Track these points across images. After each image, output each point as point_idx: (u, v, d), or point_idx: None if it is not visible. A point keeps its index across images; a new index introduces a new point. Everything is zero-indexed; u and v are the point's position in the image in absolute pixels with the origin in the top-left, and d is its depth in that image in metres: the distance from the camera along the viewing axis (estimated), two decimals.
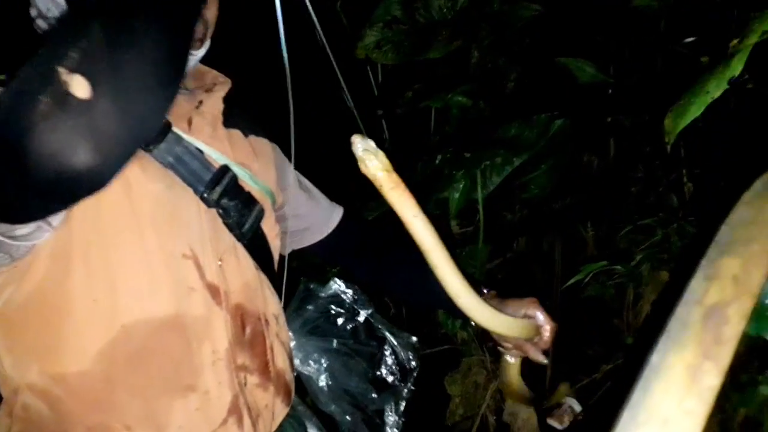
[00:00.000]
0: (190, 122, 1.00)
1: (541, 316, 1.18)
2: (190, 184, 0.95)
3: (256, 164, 1.09)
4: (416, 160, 2.15)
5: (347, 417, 1.35)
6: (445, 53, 2.32)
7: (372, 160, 0.94)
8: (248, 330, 1.03)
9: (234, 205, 1.00)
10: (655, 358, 0.32)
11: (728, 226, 0.39)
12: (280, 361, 1.11)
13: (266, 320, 1.08)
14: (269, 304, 1.10)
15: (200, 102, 1.03)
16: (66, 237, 0.86)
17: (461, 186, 2.04)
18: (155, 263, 0.92)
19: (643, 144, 2.37)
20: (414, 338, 1.47)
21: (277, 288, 1.18)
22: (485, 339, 1.30)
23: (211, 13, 0.98)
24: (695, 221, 1.79)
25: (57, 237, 0.86)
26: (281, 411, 1.12)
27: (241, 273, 1.03)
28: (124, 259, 0.90)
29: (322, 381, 1.34)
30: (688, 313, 0.34)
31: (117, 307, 0.90)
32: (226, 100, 1.09)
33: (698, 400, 0.30)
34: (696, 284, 0.35)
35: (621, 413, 0.31)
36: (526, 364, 2.57)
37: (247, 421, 1.01)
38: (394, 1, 2.36)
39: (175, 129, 0.95)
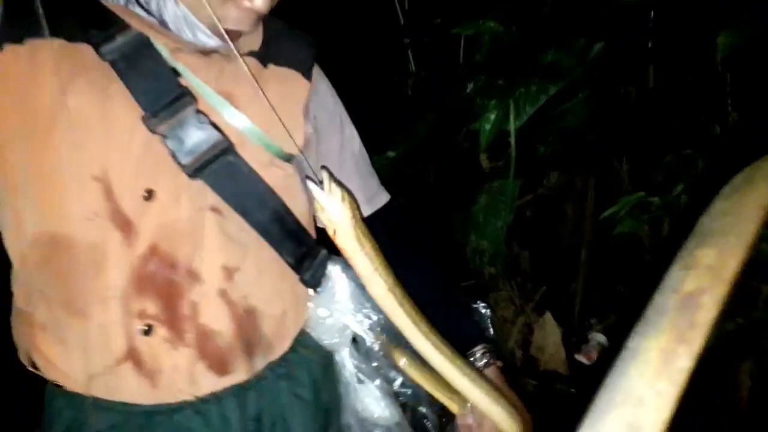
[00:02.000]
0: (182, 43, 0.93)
1: None
2: (137, 101, 0.88)
3: (254, 96, 0.94)
4: (444, 91, 2.10)
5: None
6: None
7: (335, 205, 0.88)
8: (158, 276, 0.93)
9: (185, 135, 0.90)
10: (632, 342, 0.35)
11: (707, 218, 0.41)
12: (214, 324, 0.98)
13: (192, 271, 0.95)
14: (220, 253, 0.96)
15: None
16: None
17: (493, 117, 2.00)
18: (64, 177, 0.88)
19: (686, 72, 2.29)
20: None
21: (298, 246, 1.05)
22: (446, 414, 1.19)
23: None
24: (740, 151, 1.73)
25: None
26: (211, 379, 0.99)
27: (176, 211, 0.92)
28: (35, 162, 0.88)
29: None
30: (664, 300, 0.36)
31: (31, 212, 0.90)
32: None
33: (670, 382, 0.32)
34: (674, 273, 0.38)
35: (598, 394, 0.33)
36: (556, 299, 2.59)
37: (144, 372, 0.95)
38: None
39: (140, 33, 0.88)
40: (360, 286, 1.16)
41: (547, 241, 2.83)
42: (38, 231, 0.90)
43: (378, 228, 1.05)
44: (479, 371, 1.08)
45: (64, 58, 0.86)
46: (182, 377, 0.97)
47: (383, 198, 1.19)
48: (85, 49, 0.87)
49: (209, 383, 0.99)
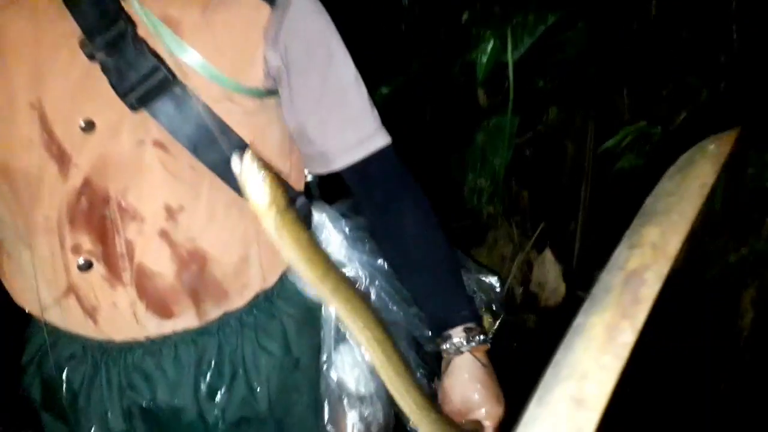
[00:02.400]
0: None
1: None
2: (77, 24, 0.82)
3: (202, 22, 0.87)
4: (439, 21, 2.03)
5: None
6: None
7: (254, 186, 0.80)
8: (93, 211, 0.90)
9: (124, 62, 0.84)
10: (578, 319, 0.36)
11: (652, 198, 0.44)
12: (153, 264, 0.93)
13: (127, 208, 0.90)
14: (163, 191, 0.91)
15: None
16: None
17: (489, 47, 1.94)
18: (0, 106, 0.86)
19: None
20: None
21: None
22: None
23: None
24: (745, 78, 1.69)
25: None
26: (155, 321, 0.95)
27: (116, 143, 0.88)
28: None
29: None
30: (610, 278, 0.38)
31: None
32: None
33: (614, 356, 0.34)
34: (619, 252, 0.40)
35: (545, 370, 0.35)
36: (556, 236, 2.59)
37: (83, 308, 0.94)
38: None
39: None
40: (351, 238, 1.10)
41: (547, 179, 2.81)
42: None
43: (372, 172, 0.98)
44: (425, 397, 0.94)
45: None
46: (123, 317, 0.94)
47: (379, 141, 0.99)
48: None
49: (153, 325, 0.96)
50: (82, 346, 0.99)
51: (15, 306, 1.03)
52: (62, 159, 0.87)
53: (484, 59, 1.98)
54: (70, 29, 0.82)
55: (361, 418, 1.10)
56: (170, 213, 0.92)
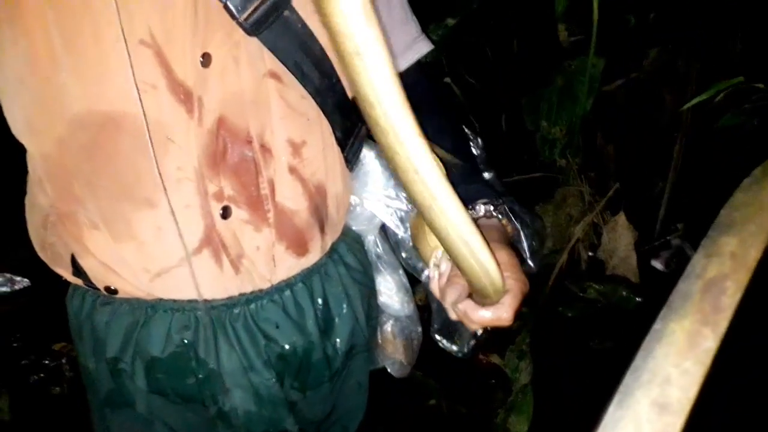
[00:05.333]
0: None
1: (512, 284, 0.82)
2: None
3: None
4: None
5: None
6: None
7: None
8: (231, 152, 0.87)
9: None
10: (657, 325, 0.38)
11: (728, 209, 0.46)
12: (291, 203, 0.94)
13: (263, 145, 0.89)
14: (285, 126, 0.91)
15: None
16: None
17: None
18: (106, 44, 0.78)
19: None
20: None
21: (345, 119, 0.98)
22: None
23: None
24: None
25: None
26: (289, 261, 0.98)
27: (237, 77, 0.85)
28: (68, 29, 0.78)
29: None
30: (688, 286, 0.39)
31: (67, 88, 0.80)
32: None
33: (696, 362, 0.35)
34: (697, 261, 0.41)
35: (625, 375, 0.36)
36: (637, 199, 2.41)
37: (225, 259, 0.92)
38: None
39: None
40: (394, 176, 1.11)
41: (638, 134, 2.59)
42: (82, 110, 0.81)
43: (418, 77, 1.01)
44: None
45: None
46: (263, 260, 0.94)
47: (424, 47, 1.05)
48: None
49: (287, 266, 0.98)
50: (193, 314, 0.96)
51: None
52: (189, 100, 0.82)
53: None
54: None
55: (404, 335, 1.28)
56: (295, 148, 0.92)
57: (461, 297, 0.84)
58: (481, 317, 0.81)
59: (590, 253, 2.28)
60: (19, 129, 0.87)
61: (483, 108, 2.47)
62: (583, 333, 2.05)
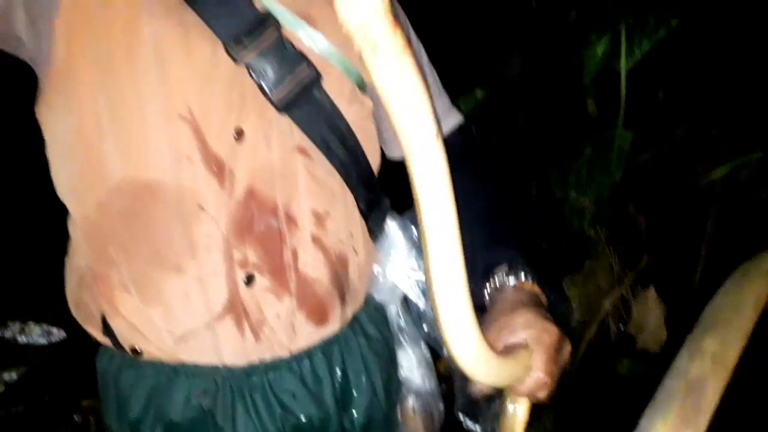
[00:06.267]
0: None
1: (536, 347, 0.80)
2: (214, 30, 0.85)
3: (333, 18, 0.89)
4: (544, 19, 1.92)
5: None
6: None
7: None
8: (258, 221, 0.91)
9: (269, 63, 0.86)
10: (643, 422, 0.41)
11: (711, 309, 0.51)
12: (312, 271, 0.97)
13: (289, 215, 0.93)
14: (310, 198, 0.95)
15: None
16: (68, 64, 0.85)
17: (599, 51, 1.79)
18: (148, 117, 0.85)
19: None
20: None
21: (369, 192, 1.02)
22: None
23: None
24: None
25: (62, 68, 0.85)
26: (309, 330, 0.99)
27: (267, 151, 0.90)
28: (115, 103, 0.85)
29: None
30: (672, 384, 0.43)
31: (110, 157, 0.86)
32: None
33: None
34: (680, 360, 0.45)
35: None
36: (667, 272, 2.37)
37: (246, 325, 0.94)
38: None
39: None
40: (417, 247, 1.14)
41: (670, 205, 2.58)
42: (122, 177, 0.87)
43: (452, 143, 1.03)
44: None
45: None
46: (283, 328, 0.96)
47: (453, 119, 1.11)
48: None
49: (306, 335, 0.99)
50: (213, 379, 0.97)
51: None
52: (221, 171, 0.87)
53: (593, 64, 1.84)
54: (208, 33, 0.85)
55: (425, 411, 1.24)
56: (319, 219, 0.96)
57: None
58: (521, 390, 0.80)
59: (620, 326, 2.24)
60: (63, 191, 0.93)
61: (512, 177, 2.49)
62: (612, 409, 1.99)
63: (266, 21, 0.87)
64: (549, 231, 2.39)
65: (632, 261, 2.28)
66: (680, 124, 2.33)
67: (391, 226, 1.15)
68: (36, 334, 2.47)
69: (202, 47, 0.85)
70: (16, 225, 2.92)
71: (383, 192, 1.09)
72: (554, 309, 0.99)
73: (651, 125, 2.24)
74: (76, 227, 0.95)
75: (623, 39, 1.79)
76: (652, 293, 2.06)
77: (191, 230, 0.88)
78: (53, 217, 1.03)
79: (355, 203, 1.01)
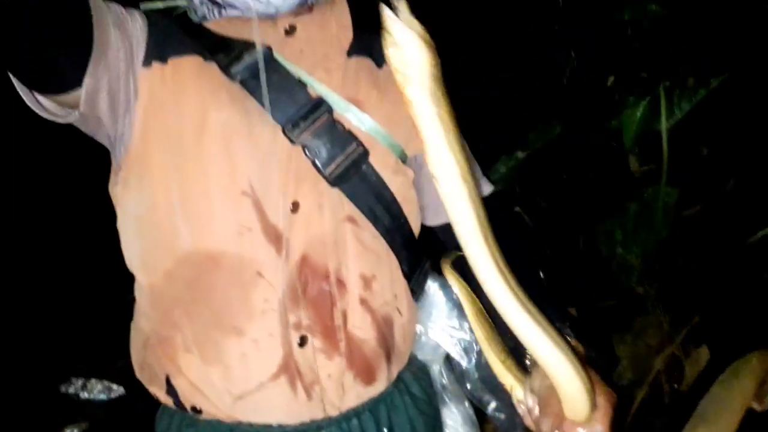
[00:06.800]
0: (293, 45, 0.99)
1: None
2: (272, 115, 0.94)
3: (377, 99, 1.03)
4: (584, 83, 1.98)
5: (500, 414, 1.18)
6: None
7: (411, 42, 0.71)
8: (311, 286, 0.98)
9: (322, 143, 0.96)
10: None
11: (706, 402, 0.59)
12: (360, 332, 1.02)
13: (340, 280, 1.00)
14: (358, 262, 1.02)
15: (318, 24, 1.01)
16: (143, 147, 0.94)
17: (638, 113, 1.83)
18: (213, 193, 0.93)
19: None
20: None
21: (411, 255, 1.10)
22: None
23: None
24: None
25: (137, 150, 0.95)
26: (357, 389, 1.04)
27: (320, 221, 0.98)
28: (185, 182, 0.94)
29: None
30: None
31: (178, 230, 0.95)
32: (361, 25, 1.05)
33: None
34: None
35: None
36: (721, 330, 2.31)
37: (299, 385, 0.98)
38: None
39: (262, 48, 0.95)
40: (458, 306, 1.18)
41: (720, 261, 2.53)
42: (189, 249, 0.95)
43: None
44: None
45: (203, 74, 0.95)
46: (334, 388, 1.01)
47: (488, 187, 1.18)
48: (217, 69, 0.95)
49: (355, 394, 1.04)
50: None
51: None
52: (278, 241, 0.96)
53: (633, 126, 1.88)
54: (269, 119, 0.95)
55: None
56: (366, 282, 1.03)
57: (556, 424, 0.89)
58: None
59: (674, 386, 2.19)
60: (133, 261, 1.02)
61: (557, 233, 2.51)
62: None
63: (319, 106, 0.96)
64: (597, 288, 2.38)
65: (683, 318, 2.25)
66: (726, 180, 2.33)
67: (432, 286, 1.19)
68: (97, 391, 2.58)
69: (263, 130, 0.95)
70: (82, 288, 3.09)
71: (424, 254, 1.15)
72: (595, 366, 1.03)
73: (696, 181, 2.24)
74: (143, 294, 1.03)
75: (662, 101, 1.83)
76: (704, 351, 2.02)
77: (250, 295, 0.96)
78: (115, 280, 1.12)
79: (398, 266, 1.08)
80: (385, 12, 0.74)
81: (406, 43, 0.72)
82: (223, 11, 0.99)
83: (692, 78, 1.82)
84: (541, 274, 1.13)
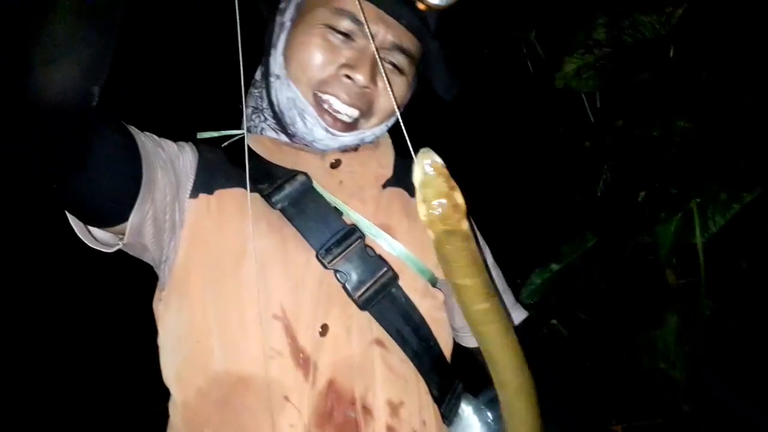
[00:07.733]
0: (335, 176, 1.06)
1: None
2: (307, 240, 0.99)
3: (408, 226, 1.07)
4: (614, 197, 2.02)
5: None
6: (658, 73, 2.18)
7: (445, 197, 0.76)
8: (337, 412, 0.98)
9: (353, 267, 0.99)
10: None
11: None
12: None
13: (365, 407, 1.00)
14: (386, 387, 1.02)
15: (360, 160, 1.09)
16: (185, 271, 0.99)
17: (671, 228, 1.86)
18: (247, 317, 0.96)
19: None
20: None
21: (442, 378, 1.10)
22: None
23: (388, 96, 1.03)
24: None
25: (180, 273, 0.99)
26: None
27: (348, 344, 1.00)
28: (221, 305, 0.97)
29: None
30: None
31: (212, 351, 0.97)
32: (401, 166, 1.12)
33: None
34: None
35: None
36: None
37: None
38: (599, 24, 2.29)
39: (302, 178, 1.01)
40: (493, 429, 1.18)
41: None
42: (221, 369, 0.97)
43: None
44: None
45: (246, 204, 0.99)
46: None
47: (521, 314, 1.22)
48: (260, 197, 1.02)
49: None
50: None
51: None
52: (306, 365, 0.97)
53: (667, 240, 1.90)
54: (302, 243, 1.00)
55: None
56: (393, 408, 1.03)
57: None
58: None
59: None
60: (168, 376, 1.05)
61: (595, 345, 2.47)
62: None
63: (353, 233, 1.01)
64: (641, 404, 2.30)
65: None
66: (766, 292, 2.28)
67: (466, 409, 1.19)
68: None
69: (297, 255, 0.99)
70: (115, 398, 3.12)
71: (456, 376, 1.15)
72: None
73: (736, 294, 2.21)
74: (176, 410, 1.05)
75: (696, 217, 1.85)
76: None
77: (276, 419, 0.96)
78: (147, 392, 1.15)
79: (428, 390, 1.08)
80: (415, 175, 0.81)
81: (431, 187, 0.79)
82: (282, 136, 1.07)
83: (724, 193, 1.84)
84: (572, 404, 1.14)
